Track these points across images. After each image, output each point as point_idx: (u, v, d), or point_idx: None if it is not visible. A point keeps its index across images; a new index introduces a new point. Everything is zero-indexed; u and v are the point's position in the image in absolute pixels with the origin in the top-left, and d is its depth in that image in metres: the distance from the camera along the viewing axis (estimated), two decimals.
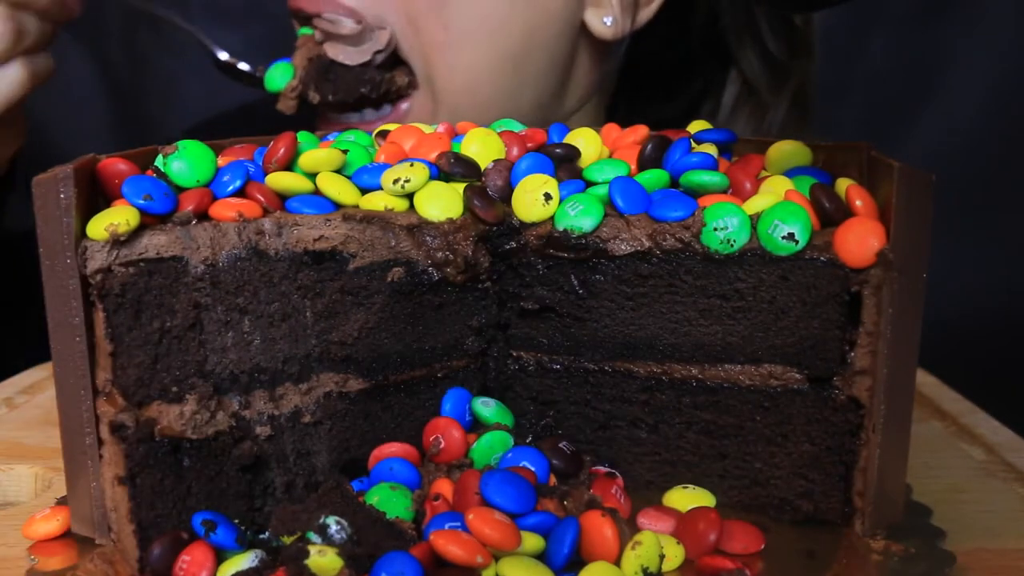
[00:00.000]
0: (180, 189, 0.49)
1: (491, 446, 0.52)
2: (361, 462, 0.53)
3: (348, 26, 0.80)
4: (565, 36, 0.86)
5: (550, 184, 0.53)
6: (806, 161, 0.56)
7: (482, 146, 0.56)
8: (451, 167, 0.54)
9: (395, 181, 0.51)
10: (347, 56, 0.80)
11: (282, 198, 0.51)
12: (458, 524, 0.44)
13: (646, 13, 0.88)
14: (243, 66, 0.82)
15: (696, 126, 0.61)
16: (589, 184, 0.55)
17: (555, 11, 0.84)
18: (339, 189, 0.51)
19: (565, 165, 0.56)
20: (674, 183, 0.54)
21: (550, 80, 0.88)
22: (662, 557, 0.45)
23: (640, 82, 1.02)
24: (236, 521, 0.49)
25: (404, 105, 0.84)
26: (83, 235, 0.45)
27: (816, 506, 0.51)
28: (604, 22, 0.86)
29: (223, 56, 0.82)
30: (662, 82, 1.02)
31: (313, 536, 0.43)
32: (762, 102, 0.99)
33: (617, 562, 0.44)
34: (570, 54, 0.88)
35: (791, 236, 0.48)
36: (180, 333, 0.47)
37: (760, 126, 1.00)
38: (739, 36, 0.98)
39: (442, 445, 0.52)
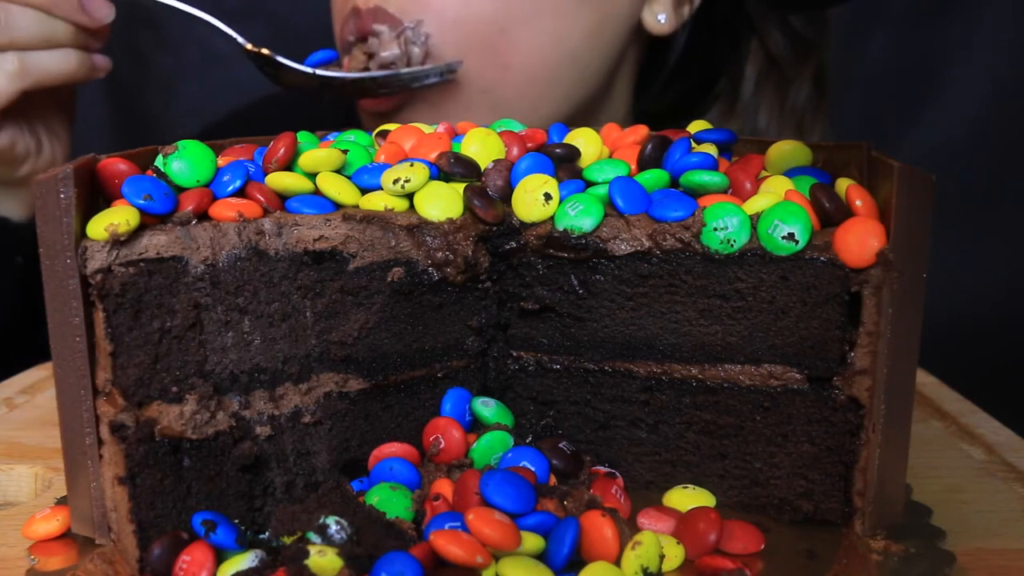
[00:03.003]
0: (180, 189, 0.49)
1: (491, 446, 0.52)
2: (361, 462, 0.53)
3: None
4: (622, 36, 0.88)
5: (550, 184, 0.53)
6: (806, 161, 0.56)
7: (482, 146, 0.56)
8: (451, 167, 0.54)
9: (395, 181, 0.51)
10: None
11: (282, 198, 0.51)
12: (458, 524, 0.44)
13: (695, 3, 0.89)
14: (283, 59, 0.82)
15: (696, 126, 0.61)
16: (589, 184, 0.55)
17: (617, 11, 0.86)
18: (339, 189, 0.51)
19: (565, 165, 0.56)
20: (674, 183, 0.54)
21: (603, 79, 0.89)
22: (662, 557, 0.45)
23: (664, 62, 1.03)
24: (236, 521, 0.49)
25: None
26: (83, 235, 0.45)
27: (816, 506, 0.51)
28: (659, 19, 0.88)
29: (249, 46, 0.82)
30: (686, 61, 1.03)
31: (313, 536, 0.43)
32: (785, 77, 1.00)
33: (617, 562, 0.44)
34: (623, 52, 0.89)
35: (791, 236, 0.48)
36: (180, 333, 0.47)
37: (784, 104, 1.00)
38: (762, 11, 0.98)
39: (442, 445, 0.52)
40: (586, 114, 0.91)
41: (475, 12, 0.81)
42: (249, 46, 0.81)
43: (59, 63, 0.76)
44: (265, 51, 0.81)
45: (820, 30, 1.01)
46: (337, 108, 0.96)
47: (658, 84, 1.03)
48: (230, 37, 0.82)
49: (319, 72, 0.81)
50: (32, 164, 0.81)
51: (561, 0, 0.82)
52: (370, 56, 0.83)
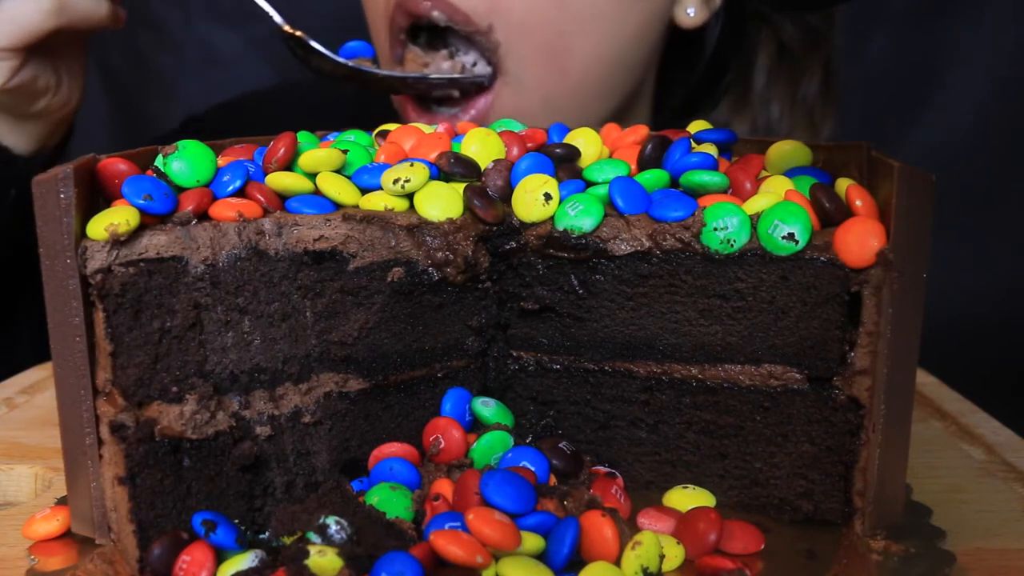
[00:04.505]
0: (180, 189, 0.49)
1: (491, 446, 0.52)
2: (361, 462, 0.53)
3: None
4: (661, 33, 0.90)
5: (550, 184, 0.53)
6: (806, 161, 0.56)
7: (482, 146, 0.56)
8: (451, 167, 0.54)
9: (395, 181, 0.51)
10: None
11: (282, 198, 0.51)
12: (458, 524, 0.44)
13: None
14: (316, 44, 0.82)
15: (696, 126, 0.61)
16: (589, 184, 0.55)
17: (657, 10, 0.87)
18: (339, 189, 0.51)
19: (565, 165, 0.56)
20: (674, 183, 0.54)
21: (641, 75, 0.91)
22: (662, 557, 0.45)
23: (695, 55, 1.03)
24: (236, 521, 0.49)
25: (482, 100, 0.85)
26: (83, 235, 0.45)
27: (816, 506, 0.51)
28: (688, 13, 0.89)
29: (286, 27, 0.82)
30: (698, 50, 1.03)
31: (313, 536, 0.43)
32: (797, 67, 1.01)
33: (617, 562, 0.44)
34: (658, 49, 0.91)
35: (791, 236, 0.48)
36: (180, 333, 0.47)
37: (796, 95, 1.00)
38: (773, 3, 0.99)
39: (442, 445, 0.52)
40: (624, 111, 0.92)
41: (538, 15, 0.81)
42: (286, 27, 0.81)
43: (92, 5, 0.78)
44: (299, 33, 0.81)
45: (829, 20, 1.02)
46: (367, 100, 0.96)
47: (695, 74, 1.03)
48: (267, 16, 0.82)
49: (350, 64, 0.82)
50: (48, 100, 0.82)
51: (614, 2, 0.83)
52: (425, 64, 0.84)
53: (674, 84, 1.01)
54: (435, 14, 0.81)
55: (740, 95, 1.02)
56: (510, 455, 0.51)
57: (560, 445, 0.53)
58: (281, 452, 0.51)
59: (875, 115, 1.33)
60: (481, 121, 0.83)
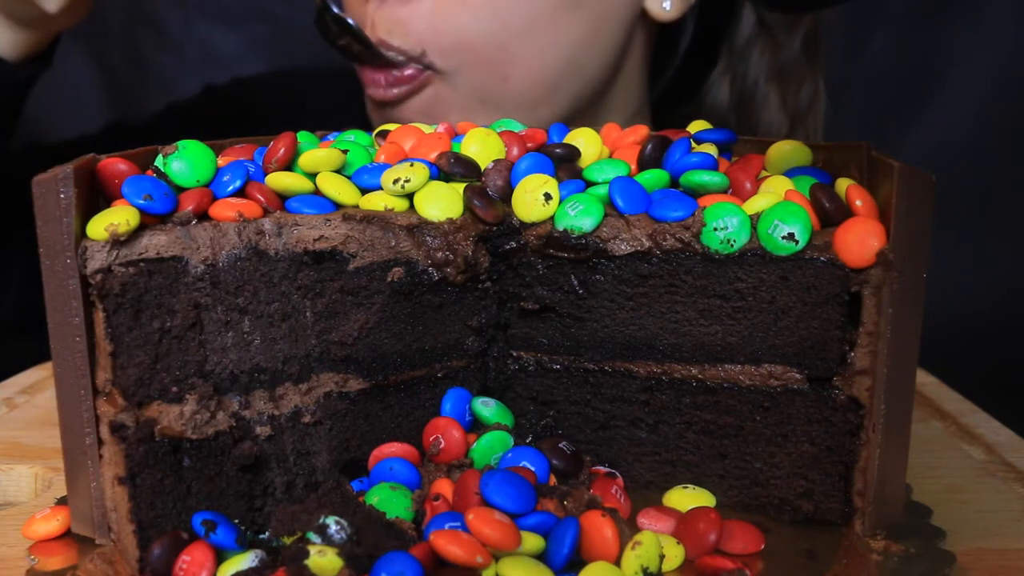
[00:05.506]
0: (180, 189, 0.49)
1: (491, 446, 0.52)
2: (361, 462, 0.53)
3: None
4: (623, 32, 0.88)
5: (550, 184, 0.53)
6: (806, 161, 0.56)
7: (482, 146, 0.56)
8: (451, 167, 0.54)
9: (395, 181, 0.51)
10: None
11: (282, 198, 0.51)
12: (458, 524, 0.44)
13: None
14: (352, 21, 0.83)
15: (696, 126, 0.61)
16: (589, 184, 0.55)
17: (614, 11, 0.86)
18: (339, 189, 0.51)
19: (565, 165, 0.56)
20: (674, 183, 0.54)
21: (605, 76, 0.89)
22: (662, 557, 0.45)
23: (675, 47, 1.03)
24: (236, 521, 0.49)
25: (427, 92, 0.85)
26: (83, 235, 0.45)
27: (816, 506, 0.51)
28: (664, 7, 0.87)
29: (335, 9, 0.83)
30: (677, 26, 1.03)
31: (313, 536, 0.43)
32: (775, 41, 1.00)
33: (617, 562, 0.44)
34: (626, 46, 0.89)
35: (791, 236, 0.48)
36: (180, 333, 0.47)
37: (774, 62, 1.00)
38: None
39: (442, 445, 0.52)
40: (590, 111, 0.91)
41: (473, 33, 0.81)
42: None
43: None
44: None
45: None
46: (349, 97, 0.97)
47: (671, 69, 1.02)
48: None
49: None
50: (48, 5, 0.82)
51: (557, 11, 0.82)
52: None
53: (669, 76, 1.01)
54: (385, 52, 0.82)
55: (723, 65, 1.01)
56: (510, 455, 0.51)
57: (560, 445, 0.53)
58: (281, 452, 0.51)
59: (875, 115, 1.33)
60: (426, 110, 0.84)
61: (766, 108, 1.01)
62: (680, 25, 0.99)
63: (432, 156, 0.55)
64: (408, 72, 0.83)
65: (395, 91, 0.84)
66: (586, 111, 0.90)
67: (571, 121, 0.83)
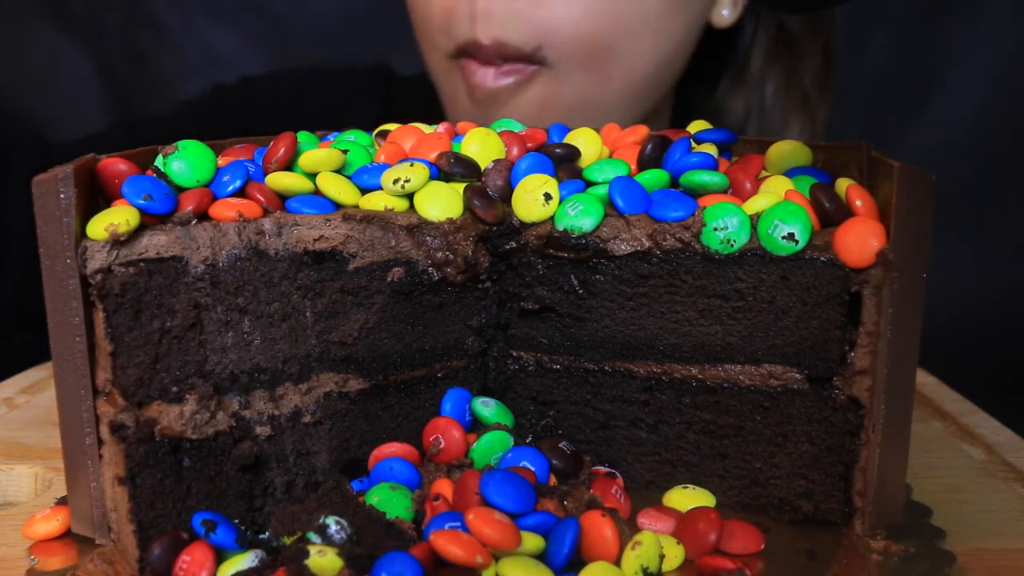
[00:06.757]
0: (180, 189, 0.49)
1: (491, 446, 0.52)
2: (361, 462, 0.53)
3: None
4: (698, 34, 0.91)
5: (550, 184, 0.53)
6: (806, 161, 0.56)
7: (482, 146, 0.56)
8: (451, 167, 0.54)
9: (395, 181, 0.51)
10: None
11: (282, 198, 0.51)
12: (458, 524, 0.44)
13: None
14: None
15: (696, 126, 0.61)
16: (589, 184, 0.55)
17: (698, 19, 0.89)
18: (339, 189, 0.51)
19: (565, 165, 0.56)
20: (674, 183, 0.54)
21: (677, 77, 0.92)
22: (662, 557, 0.45)
23: (731, 51, 1.04)
24: (236, 521, 0.49)
25: (535, 87, 0.85)
26: (83, 235, 0.45)
27: (816, 506, 0.51)
28: (723, 15, 0.91)
29: None
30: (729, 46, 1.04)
31: (313, 536, 0.43)
32: (796, 50, 1.01)
33: (617, 562, 0.44)
34: (692, 51, 0.92)
35: (791, 236, 0.48)
36: (180, 333, 0.47)
37: (792, 78, 1.01)
38: None
39: (442, 445, 0.52)
40: (659, 108, 0.94)
41: (589, 30, 0.82)
42: None
43: None
44: None
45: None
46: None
47: (725, 71, 1.04)
48: None
49: None
50: None
51: (664, 15, 0.84)
52: None
53: (697, 81, 1.01)
54: (484, 42, 0.82)
55: (735, 75, 1.03)
56: (510, 455, 0.51)
57: (560, 445, 0.53)
58: (281, 452, 0.51)
59: (875, 115, 1.33)
60: (535, 103, 0.85)
61: (784, 130, 1.02)
62: (735, 32, 1.01)
63: (432, 156, 0.55)
64: (518, 66, 0.84)
65: (504, 83, 0.84)
66: (650, 118, 0.92)
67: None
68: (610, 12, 0.82)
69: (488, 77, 0.84)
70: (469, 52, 0.84)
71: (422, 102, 1.00)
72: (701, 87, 1.02)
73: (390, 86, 1.18)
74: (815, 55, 1.02)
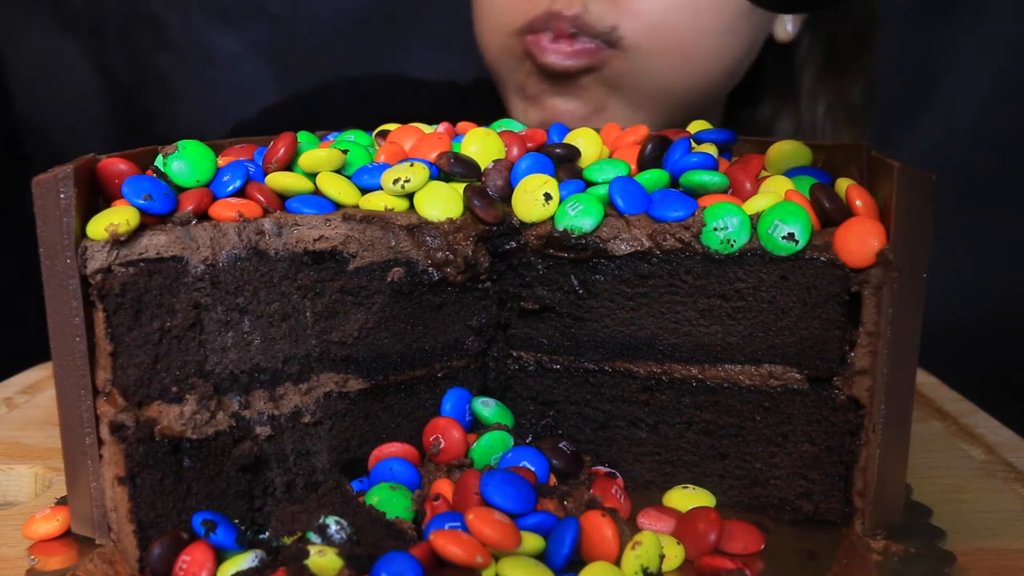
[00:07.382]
0: (180, 189, 0.49)
1: (491, 446, 0.52)
2: (361, 462, 0.53)
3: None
4: (759, 46, 0.92)
5: (550, 184, 0.53)
6: (806, 161, 0.56)
7: (482, 146, 0.56)
8: (451, 167, 0.54)
9: (395, 181, 0.51)
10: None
11: (282, 198, 0.51)
12: (458, 524, 0.44)
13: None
14: None
15: (696, 126, 0.61)
16: (589, 184, 0.55)
17: (765, 26, 0.90)
18: (339, 189, 0.51)
19: (565, 165, 0.56)
20: (674, 183, 0.54)
21: (733, 85, 0.93)
22: (662, 557, 0.45)
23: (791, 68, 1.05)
24: (236, 521, 0.49)
25: (606, 69, 0.85)
26: (83, 235, 0.45)
27: (816, 506, 0.51)
28: (787, 29, 0.93)
29: None
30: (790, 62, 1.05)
31: (313, 536, 0.43)
32: (846, 69, 1.02)
33: (617, 562, 0.44)
34: (752, 63, 0.93)
35: (791, 236, 0.48)
36: (180, 333, 0.47)
37: (841, 96, 1.02)
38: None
39: (442, 445, 0.52)
40: (710, 118, 0.94)
41: (668, 20, 0.82)
42: None
43: None
44: None
45: (875, 23, 1.03)
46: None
47: (791, 89, 1.04)
48: None
49: None
50: None
51: (738, 18, 0.85)
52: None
53: (745, 94, 1.02)
54: (566, 13, 0.82)
55: (786, 94, 1.03)
56: (510, 455, 0.51)
57: (560, 445, 0.53)
58: (281, 452, 0.51)
59: (875, 115, 1.33)
60: (602, 84, 0.84)
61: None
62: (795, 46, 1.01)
63: (432, 156, 0.55)
64: (590, 45, 0.83)
65: (576, 62, 0.83)
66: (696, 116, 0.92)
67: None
68: (691, 6, 0.82)
69: (560, 54, 0.83)
70: (538, 28, 0.83)
71: (428, 103, 1.00)
72: (749, 102, 1.02)
73: (395, 87, 1.18)
74: (863, 72, 1.03)
